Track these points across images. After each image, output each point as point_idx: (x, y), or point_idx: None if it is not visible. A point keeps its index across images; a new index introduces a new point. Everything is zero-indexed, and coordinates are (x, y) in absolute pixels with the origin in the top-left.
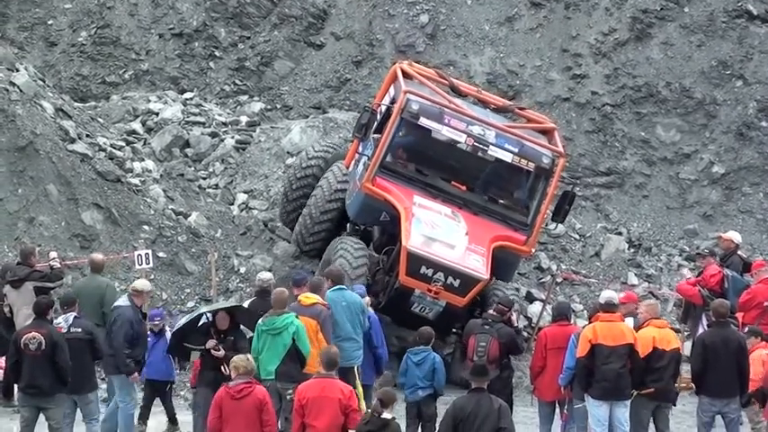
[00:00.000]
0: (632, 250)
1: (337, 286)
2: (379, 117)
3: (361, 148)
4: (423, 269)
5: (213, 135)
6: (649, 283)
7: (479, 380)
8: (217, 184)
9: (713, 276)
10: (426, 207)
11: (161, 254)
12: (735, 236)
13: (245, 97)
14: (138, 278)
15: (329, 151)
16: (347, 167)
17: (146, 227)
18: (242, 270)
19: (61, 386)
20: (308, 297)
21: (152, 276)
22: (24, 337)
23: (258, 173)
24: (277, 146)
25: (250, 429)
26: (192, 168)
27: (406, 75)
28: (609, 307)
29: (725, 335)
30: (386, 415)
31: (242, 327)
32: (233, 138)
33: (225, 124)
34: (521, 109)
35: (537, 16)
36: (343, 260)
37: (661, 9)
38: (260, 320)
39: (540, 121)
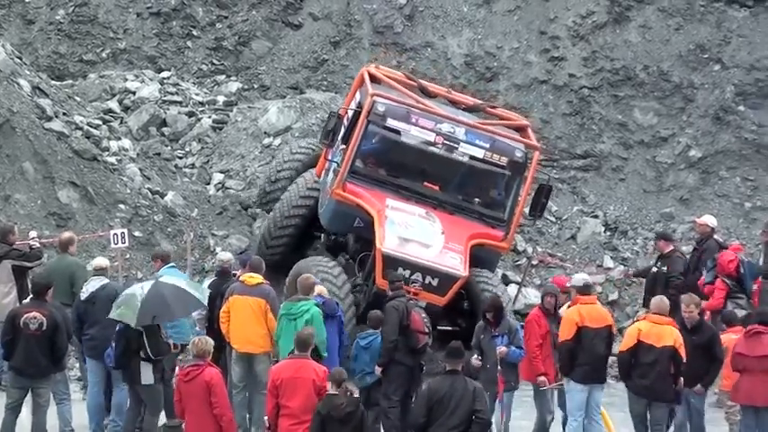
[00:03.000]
0: (608, 233)
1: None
2: (346, 122)
3: (330, 156)
4: (399, 271)
5: (190, 114)
6: (625, 266)
7: (454, 362)
8: (193, 164)
9: (731, 262)
10: (399, 209)
11: (137, 233)
12: (710, 220)
13: (222, 77)
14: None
15: (309, 153)
16: (318, 176)
17: (122, 206)
18: (218, 250)
19: (55, 367)
20: (252, 277)
21: (127, 255)
22: (25, 316)
23: (235, 153)
24: (254, 126)
25: (202, 410)
26: (169, 148)
27: (373, 78)
28: (586, 289)
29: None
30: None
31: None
32: (210, 117)
33: (202, 104)
34: (492, 107)
35: None
36: (330, 285)
37: None
38: (281, 305)
39: (511, 118)
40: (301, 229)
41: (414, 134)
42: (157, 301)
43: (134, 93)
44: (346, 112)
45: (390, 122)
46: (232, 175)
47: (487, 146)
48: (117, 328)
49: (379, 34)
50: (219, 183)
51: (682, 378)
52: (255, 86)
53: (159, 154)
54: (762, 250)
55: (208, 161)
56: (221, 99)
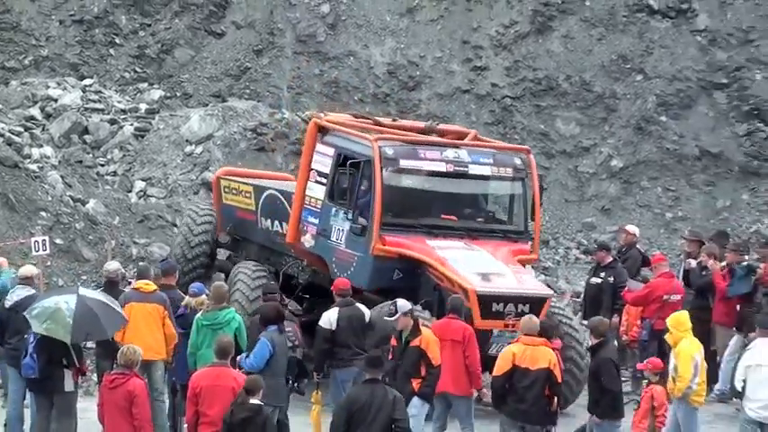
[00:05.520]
0: None
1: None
2: (330, 173)
3: (320, 218)
4: (494, 306)
5: (112, 122)
6: (546, 276)
7: (374, 371)
8: (115, 172)
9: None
10: (446, 248)
11: (58, 240)
12: (635, 229)
13: (144, 85)
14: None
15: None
16: (292, 241)
17: (43, 213)
18: (141, 257)
19: None
20: (147, 284)
21: (48, 263)
22: None
23: (157, 160)
24: (176, 134)
25: (122, 420)
26: (91, 155)
27: (322, 129)
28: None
29: (613, 354)
30: (254, 401)
31: None
32: (132, 125)
33: (124, 111)
34: (437, 126)
35: (438, 7)
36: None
37: (562, 2)
38: (199, 315)
39: (462, 131)
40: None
41: (427, 168)
42: (89, 317)
43: (56, 100)
44: (349, 165)
45: (404, 163)
46: (154, 182)
47: (491, 161)
48: (33, 339)
49: (301, 43)
50: (141, 191)
51: (556, 399)
52: (178, 94)
53: (81, 161)
54: (683, 260)
55: (130, 169)
56: (143, 107)
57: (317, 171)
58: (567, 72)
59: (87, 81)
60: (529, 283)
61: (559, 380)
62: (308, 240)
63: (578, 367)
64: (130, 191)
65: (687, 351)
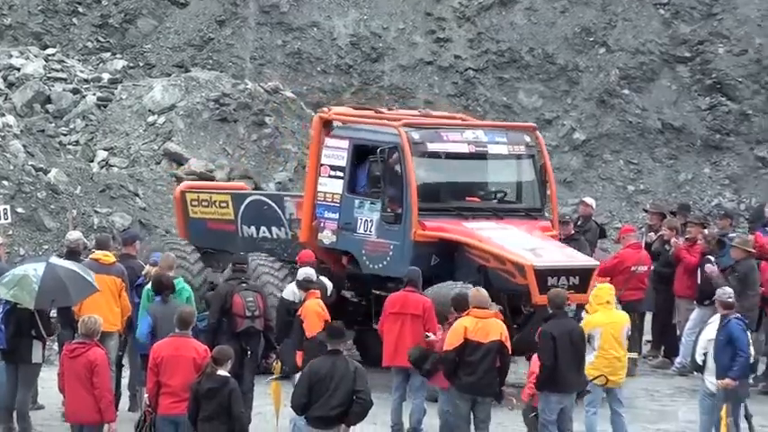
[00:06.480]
0: None
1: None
2: (348, 166)
3: (340, 212)
4: (549, 281)
5: (75, 92)
6: None
7: (335, 342)
8: (77, 141)
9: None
10: (484, 228)
11: (20, 209)
12: (592, 201)
13: (107, 54)
14: None
15: None
16: (306, 240)
17: (5, 182)
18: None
19: None
20: (107, 255)
21: (10, 232)
22: None
23: (119, 130)
24: (139, 104)
25: (82, 389)
26: (53, 124)
27: (327, 123)
28: (306, 284)
29: (569, 326)
30: (221, 372)
31: None
32: (95, 95)
33: (87, 81)
34: (430, 112)
35: None
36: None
37: None
38: (149, 285)
39: (451, 115)
40: None
41: (452, 150)
42: (56, 284)
43: (18, 69)
44: (377, 152)
45: (431, 147)
46: (116, 152)
47: (506, 139)
48: (2, 310)
49: (265, 14)
50: (103, 160)
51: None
52: (141, 64)
53: (43, 131)
54: (644, 232)
55: (92, 138)
56: (106, 77)
57: (329, 166)
58: (530, 44)
59: (50, 50)
60: (574, 255)
61: (510, 351)
62: (327, 237)
63: None
64: (92, 160)
65: (589, 323)
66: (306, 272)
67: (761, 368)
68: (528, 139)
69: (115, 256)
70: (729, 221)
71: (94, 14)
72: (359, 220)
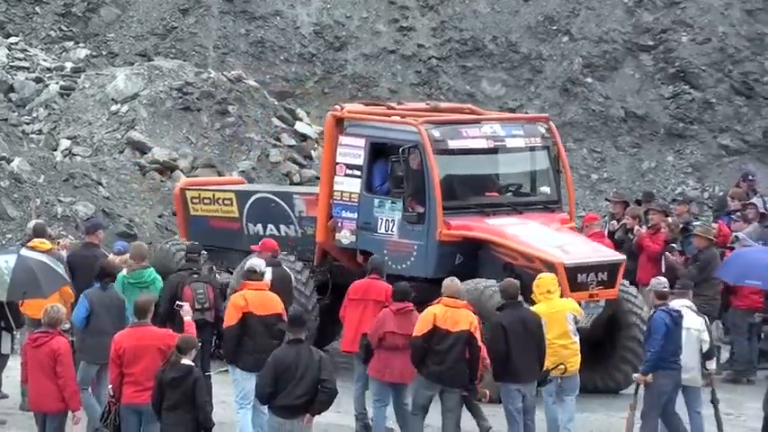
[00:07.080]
0: None
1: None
2: (365, 164)
3: (359, 211)
4: (579, 278)
5: (38, 80)
6: None
7: (297, 330)
8: (40, 130)
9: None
10: (508, 224)
11: None
12: None
13: (70, 43)
14: None
15: None
16: (323, 240)
17: None
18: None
19: None
20: (42, 243)
21: None
22: None
23: (82, 119)
24: (102, 92)
25: (45, 378)
26: (16, 113)
27: (339, 121)
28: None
29: (522, 315)
30: (185, 361)
31: None
32: (57, 84)
33: (50, 70)
34: (440, 105)
35: None
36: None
37: None
38: (124, 272)
39: (460, 107)
40: None
41: (471, 146)
42: (27, 276)
43: None
44: (400, 151)
45: (452, 144)
46: (79, 141)
47: (522, 132)
48: None
49: (228, 2)
50: (67, 149)
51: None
52: (104, 53)
53: (6, 120)
54: (607, 220)
55: (55, 127)
56: (69, 65)
57: (345, 165)
58: (494, 33)
59: (13, 39)
60: (600, 249)
61: (480, 343)
62: (345, 237)
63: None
64: (56, 149)
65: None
66: (253, 263)
67: (724, 356)
68: (542, 129)
69: (86, 245)
70: (687, 208)
71: (57, 3)
72: (379, 220)
